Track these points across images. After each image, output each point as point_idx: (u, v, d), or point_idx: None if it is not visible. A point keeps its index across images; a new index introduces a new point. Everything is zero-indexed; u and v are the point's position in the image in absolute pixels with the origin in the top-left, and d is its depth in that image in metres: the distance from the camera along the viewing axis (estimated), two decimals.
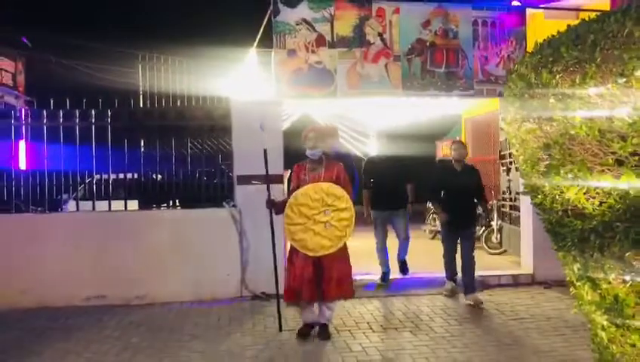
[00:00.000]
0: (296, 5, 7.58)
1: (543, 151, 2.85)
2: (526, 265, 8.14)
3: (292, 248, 5.54)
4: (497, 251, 10.10)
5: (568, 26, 2.90)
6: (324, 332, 5.59)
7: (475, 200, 7.20)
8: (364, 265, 7.70)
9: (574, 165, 2.67)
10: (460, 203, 6.91)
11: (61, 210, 7.75)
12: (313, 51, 7.62)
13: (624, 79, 2.34)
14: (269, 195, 5.74)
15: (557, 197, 2.89)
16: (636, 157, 2.39)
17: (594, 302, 2.93)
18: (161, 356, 5.15)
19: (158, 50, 10.86)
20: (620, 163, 2.48)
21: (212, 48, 10.95)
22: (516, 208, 9.15)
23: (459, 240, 7.05)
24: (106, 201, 7.48)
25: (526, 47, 7.97)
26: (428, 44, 7.83)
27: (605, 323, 2.89)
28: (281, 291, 5.71)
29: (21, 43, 14.66)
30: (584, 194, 2.71)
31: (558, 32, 2.95)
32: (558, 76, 2.66)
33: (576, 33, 2.65)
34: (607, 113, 2.44)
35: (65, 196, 9.09)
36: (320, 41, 7.63)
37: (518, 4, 8.21)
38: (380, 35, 7.75)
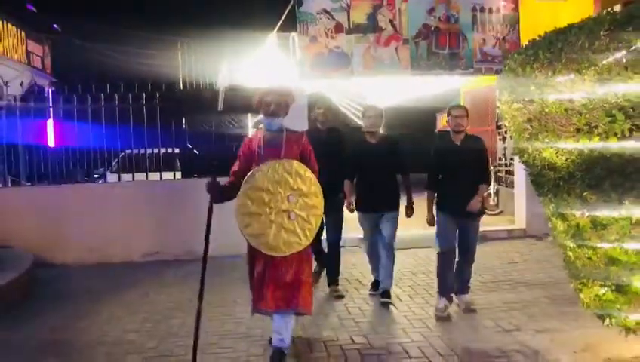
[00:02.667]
0: None
1: (526, 123, 4.00)
2: (519, 220, 9.36)
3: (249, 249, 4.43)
4: (495, 212, 11.29)
5: (545, 33, 4.01)
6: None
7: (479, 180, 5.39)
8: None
9: (548, 133, 3.83)
10: (462, 185, 5.30)
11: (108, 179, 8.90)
12: (332, 37, 8.71)
13: (580, 74, 3.48)
14: (214, 177, 4.40)
15: (537, 156, 4.06)
16: (587, 126, 3.53)
17: (564, 230, 4.10)
18: (224, 294, 6.37)
19: (186, 35, 11.89)
20: (578, 130, 3.62)
21: (237, 33, 12.00)
22: (511, 173, 10.34)
23: (457, 233, 5.47)
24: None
25: (519, 30, 9.06)
26: (433, 28, 8.92)
27: (571, 245, 4.06)
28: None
29: (50, 28, 15.64)
30: (555, 153, 3.87)
31: (539, 36, 4.07)
32: (536, 70, 3.78)
33: (550, 40, 3.77)
34: (569, 97, 3.58)
35: (101, 170, 10.33)
36: (338, 28, 8.72)
37: None
38: (391, 21, 8.84)
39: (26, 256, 7.26)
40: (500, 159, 11.38)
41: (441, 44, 8.94)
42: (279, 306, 4.29)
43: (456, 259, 5.53)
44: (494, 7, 9.09)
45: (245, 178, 4.20)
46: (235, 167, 4.51)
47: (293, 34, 9.21)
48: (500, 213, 11.28)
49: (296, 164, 4.26)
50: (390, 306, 5.70)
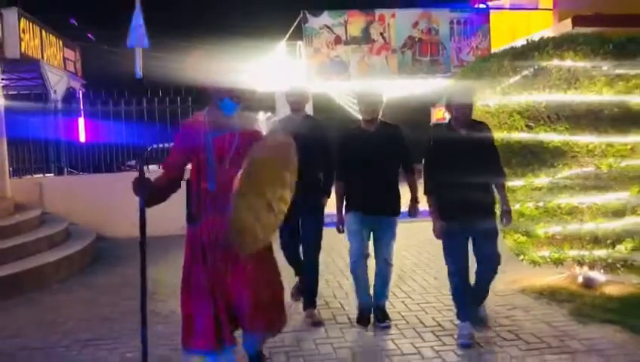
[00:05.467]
0: (319, 15, 10.43)
1: None
2: None
3: (188, 263, 3.68)
4: None
5: (480, 59, 5.78)
6: None
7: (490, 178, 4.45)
8: None
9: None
10: (472, 184, 4.21)
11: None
12: (332, 48, 10.50)
13: (493, 89, 5.24)
14: (141, 170, 3.56)
15: None
16: (499, 123, 5.28)
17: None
18: None
19: (205, 42, 13.63)
20: (493, 126, 5.37)
21: (250, 43, 13.76)
22: None
23: (470, 242, 4.43)
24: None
25: (489, 39, 10.81)
26: (416, 39, 10.70)
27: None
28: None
29: (85, 37, 17.45)
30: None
31: (473, 63, 5.84)
32: (472, 85, 5.54)
33: (477, 66, 5.54)
34: (487, 103, 5.35)
35: (131, 162, 12.23)
36: (337, 40, 10.51)
37: (484, 6, 11.00)
38: (381, 34, 10.61)
39: (89, 230, 9.10)
40: None
41: (424, 52, 10.70)
42: (248, 327, 3.55)
43: (475, 269, 4.51)
44: (469, 21, 10.84)
45: (245, 162, 3.10)
46: (170, 159, 3.64)
47: (299, 42, 10.99)
48: None
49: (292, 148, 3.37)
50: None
